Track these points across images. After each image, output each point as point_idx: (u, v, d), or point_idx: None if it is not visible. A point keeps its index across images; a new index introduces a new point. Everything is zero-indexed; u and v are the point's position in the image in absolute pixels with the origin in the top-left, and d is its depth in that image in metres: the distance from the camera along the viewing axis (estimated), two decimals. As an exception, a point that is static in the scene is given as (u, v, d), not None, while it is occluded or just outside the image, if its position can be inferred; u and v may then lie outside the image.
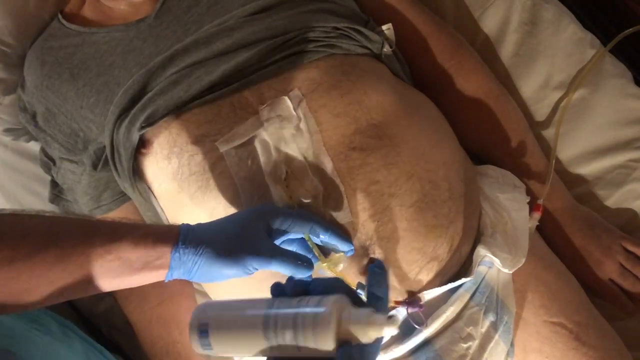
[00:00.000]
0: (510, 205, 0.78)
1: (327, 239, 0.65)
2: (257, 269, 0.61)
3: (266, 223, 0.61)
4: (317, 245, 0.66)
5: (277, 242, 0.64)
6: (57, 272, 0.53)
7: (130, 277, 0.58)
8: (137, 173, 0.78)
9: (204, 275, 0.61)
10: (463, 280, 0.70)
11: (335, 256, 0.66)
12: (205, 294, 0.91)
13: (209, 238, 0.60)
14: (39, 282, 0.52)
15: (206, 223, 0.63)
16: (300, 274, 0.61)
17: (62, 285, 0.54)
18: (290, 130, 0.69)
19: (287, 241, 0.66)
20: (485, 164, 0.86)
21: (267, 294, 0.57)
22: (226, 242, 0.59)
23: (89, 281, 0.55)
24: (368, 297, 0.57)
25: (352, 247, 0.66)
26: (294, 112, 0.70)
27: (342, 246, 0.66)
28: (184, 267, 0.60)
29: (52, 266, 0.52)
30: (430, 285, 0.70)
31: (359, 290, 0.65)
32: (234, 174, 0.70)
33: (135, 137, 0.73)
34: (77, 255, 0.53)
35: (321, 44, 0.74)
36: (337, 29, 0.76)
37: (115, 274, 0.57)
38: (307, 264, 0.62)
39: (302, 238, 0.66)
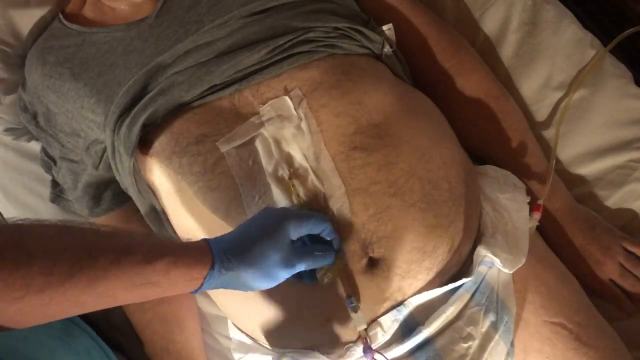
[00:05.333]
0: (510, 205, 0.78)
1: (332, 240, 0.66)
2: (285, 278, 0.62)
3: (290, 230, 0.62)
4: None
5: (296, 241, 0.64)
6: (88, 296, 0.52)
7: (154, 295, 0.58)
8: (137, 173, 0.78)
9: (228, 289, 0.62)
10: (463, 280, 0.70)
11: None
12: (205, 294, 0.91)
13: (241, 264, 0.59)
14: (69, 305, 0.52)
15: (234, 239, 0.61)
16: (322, 264, 0.65)
17: (90, 306, 0.54)
18: (291, 130, 0.69)
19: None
20: (486, 164, 0.86)
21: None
22: (259, 266, 0.60)
23: (115, 301, 0.55)
24: None
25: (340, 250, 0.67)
26: (294, 112, 0.70)
27: (337, 245, 0.67)
28: (211, 287, 0.60)
29: (84, 290, 0.51)
30: (431, 285, 0.70)
31: (348, 300, 0.67)
32: (235, 174, 0.70)
33: (136, 137, 0.73)
34: (108, 279, 0.52)
35: (322, 44, 0.74)
36: (338, 29, 0.76)
37: (142, 294, 0.56)
38: (327, 255, 0.65)
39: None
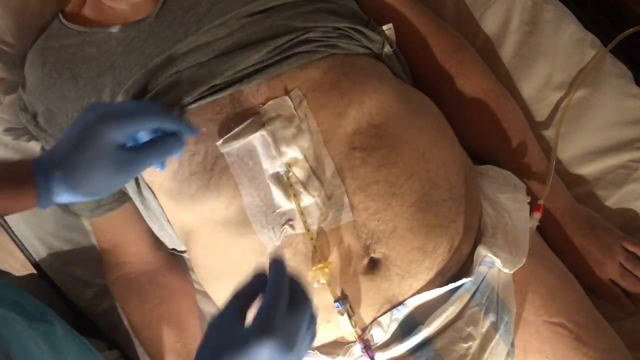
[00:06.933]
0: (510, 205, 0.78)
1: (176, 129, 0.64)
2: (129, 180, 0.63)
3: (108, 135, 0.59)
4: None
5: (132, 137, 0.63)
6: None
7: None
8: (137, 173, 0.78)
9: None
10: (464, 280, 0.70)
11: (320, 265, 0.67)
12: (205, 294, 0.91)
13: (69, 187, 0.58)
14: None
15: (58, 155, 0.59)
16: (174, 156, 0.65)
17: None
18: (291, 130, 0.69)
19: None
20: (486, 164, 0.86)
21: None
22: (86, 186, 0.59)
23: None
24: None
25: (198, 133, 0.67)
26: (294, 112, 0.70)
27: (189, 133, 0.65)
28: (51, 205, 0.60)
29: None
30: (431, 284, 0.70)
31: (337, 303, 0.66)
32: (234, 174, 0.70)
33: None
34: None
35: (322, 44, 0.74)
36: (338, 29, 0.76)
37: None
38: (176, 145, 0.63)
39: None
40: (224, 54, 0.73)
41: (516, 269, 0.72)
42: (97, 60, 0.79)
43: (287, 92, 0.71)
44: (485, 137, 0.87)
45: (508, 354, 0.72)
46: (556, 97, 0.92)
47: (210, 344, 0.54)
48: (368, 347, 0.69)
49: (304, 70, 0.73)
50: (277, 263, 0.56)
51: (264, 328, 0.52)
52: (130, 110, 0.62)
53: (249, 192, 0.69)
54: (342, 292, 0.68)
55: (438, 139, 0.76)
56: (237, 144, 0.70)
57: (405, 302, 0.69)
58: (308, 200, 0.68)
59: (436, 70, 0.88)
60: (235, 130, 0.70)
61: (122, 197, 0.87)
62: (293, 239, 0.68)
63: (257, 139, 0.70)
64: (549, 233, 0.85)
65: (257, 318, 0.53)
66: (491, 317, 0.71)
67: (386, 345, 0.70)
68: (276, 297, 0.54)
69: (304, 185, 0.68)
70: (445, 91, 0.88)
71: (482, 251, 0.72)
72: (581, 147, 0.91)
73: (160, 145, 0.62)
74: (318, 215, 0.68)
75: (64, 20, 0.85)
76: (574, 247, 0.84)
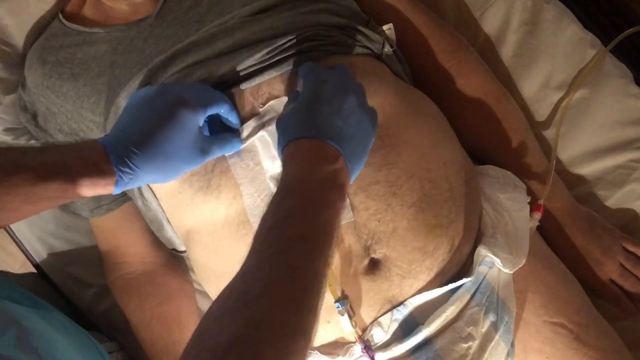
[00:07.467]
0: (510, 205, 0.78)
1: (230, 116, 0.69)
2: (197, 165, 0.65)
3: (189, 115, 0.61)
4: None
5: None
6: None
7: (67, 200, 0.62)
8: (137, 173, 0.77)
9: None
10: (464, 280, 0.70)
11: None
12: (205, 294, 0.91)
13: (145, 166, 0.60)
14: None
15: (131, 136, 0.60)
16: (231, 151, 0.68)
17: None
18: (291, 130, 0.69)
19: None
20: (486, 164, 0.86)
21: None
22: (164, 166, 0.61)
23: (24, 213, 0.59)
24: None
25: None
26: (294, 112, 0.70)
27: (236, 122, 0.70)
28: (127, 188, 0.62)
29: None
30: (431, 285, 0.70)
31: (337, 304, 0.66)
32: (235, 175, 0.70)
33: None
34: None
35: (322, 44, 0.74)
36: (338, 28, 0.76)
37: (48, 205, 0.60)
38: (235, 138, 0.69)
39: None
40: (224, 54, 0.73)
41: (516, 269, 0.72)
42: (97, 60, 0.79)
43: (287, 92, 0.71)
44: (485, 137, 0.87)
45: (508, 354, 0.72)
46: (556, 97, 0.92)
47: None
48: (368, 347, 0.69)
49: (304, 70, 0.73)
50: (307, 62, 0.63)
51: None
52: (207, 94, 0.65)
53: (250, 192, 0.69)
54: (343, 292, 0.68)
55: (438, 139, 0.76)
56: (237, 144, 0.70)
57: (406, 302, 0.69)
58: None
59: (436, 70, 0.88)
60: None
61: (122, 197, 0.87)
62: (293, 239, 0.68)
63: (257, 139, 0.70)
64: (549, 233, 0.85)
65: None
66: (491, 317, 0.71)
67: (386, 345, 0.70)
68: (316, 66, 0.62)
69: (304, 185, 0.68)
70: (445, 91, 0.88)
71: (482, 251, 0.72)
72: (581, 147, 0.91)
73: (226, 134, 0.68)
74: None
75: (64, 20, 0.85)
76: (574, 247, 0.84)
